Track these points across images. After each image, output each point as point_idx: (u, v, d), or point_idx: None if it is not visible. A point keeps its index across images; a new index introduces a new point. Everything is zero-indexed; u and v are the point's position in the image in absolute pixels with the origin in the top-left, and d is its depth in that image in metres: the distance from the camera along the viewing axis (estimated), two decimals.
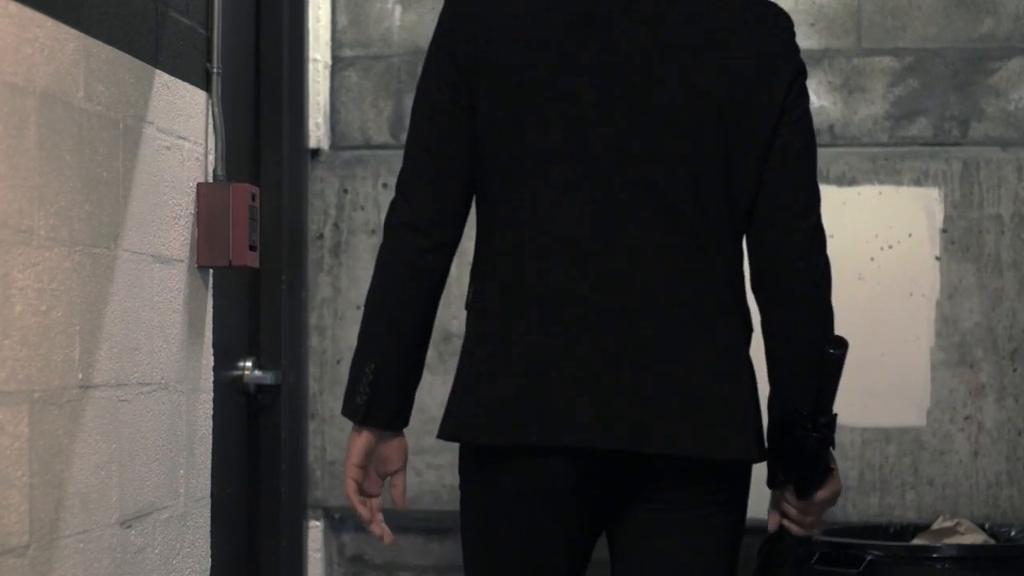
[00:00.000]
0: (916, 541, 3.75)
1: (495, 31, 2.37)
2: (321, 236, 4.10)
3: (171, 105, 2.83)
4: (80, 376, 2.46)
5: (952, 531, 3.75)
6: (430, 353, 2.44)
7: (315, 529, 4.11)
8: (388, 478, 2.47)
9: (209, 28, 3.02)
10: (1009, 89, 3.97)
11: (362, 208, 4.10)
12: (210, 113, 3.01)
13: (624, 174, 2.33)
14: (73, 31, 2.44)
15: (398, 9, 4.14)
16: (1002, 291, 3.93)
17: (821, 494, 2.43)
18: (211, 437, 3.05)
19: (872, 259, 3.97)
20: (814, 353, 2.38)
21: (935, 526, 3.80)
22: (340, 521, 4.13)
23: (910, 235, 3.97)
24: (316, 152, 4.11)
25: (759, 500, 2.50)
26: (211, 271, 3.02)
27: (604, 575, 2.49)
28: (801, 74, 2.41)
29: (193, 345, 2.94)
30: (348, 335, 4.02)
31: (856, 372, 3.54)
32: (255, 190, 3.03)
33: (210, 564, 3.04)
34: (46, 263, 2.34)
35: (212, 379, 3.05)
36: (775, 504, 2.47)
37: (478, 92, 2.36)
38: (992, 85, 3.98)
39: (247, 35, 3.75)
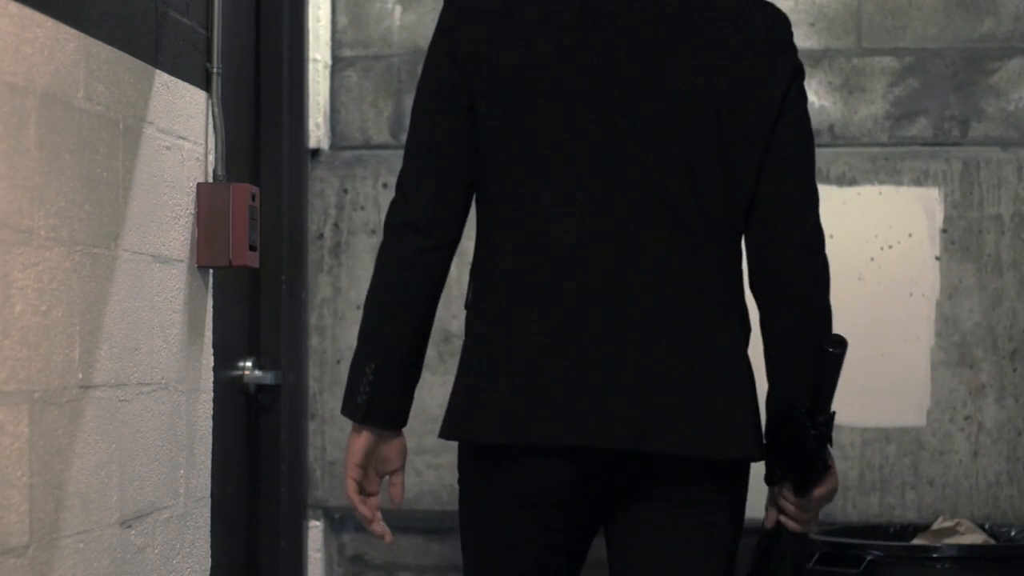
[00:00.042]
0: (916, 541, 3.75)
1: (495, 31, 2.37)
2: (321, 236, 4.10)
3: (171, 105, 2.83)
4: (80, 376, 2.46)
5: (952, 531, 3.75)
6: (430, 353, 2.45)
7: (315, 529, 4.11)
8: (387, 477, 2.47)
9: (209, 28, 3.02)
10: (1009, 89, 3.97)
11: (362, 208, 4.10)
12: (210, 113, 3.01)
13: (623, 174, 2.34)
14: (73, 31, 2.44)
15: (398, 9, 4.14)
16: (1002, 291, 3.93)
17: (819, 491, 2.44)
18: (211, 437, 3.05)
19: (872, 259, 3.97)
20: (813, 352, 2.38)
21: (935, 526, 3.80)
22: (340, 521, 4.13)
23: (910, 235, 3.96)
24: (316, 152, 4.11)
25: (757, 500, 2.50)
26: (211, 271, 3.02)
27: (603, 575, 2.49)
28: (799, 74, 2.42)
29: (193, 345, 2.94)
30: (348, 335, 4.02)
31: (856, 372, 3.54)
32: (255, 190, 3.03)
33: (210, 564, 3.04)
34: (46, 263, 2.34)
35: (212, 379, 3.05)
36: (773, 501, 2.48)
37: (478, 92, 2.37)
38: (992, 85, 3.98)
39: (247, 35, 3.75)
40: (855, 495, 3.95)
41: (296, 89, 3.95)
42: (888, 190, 3.97)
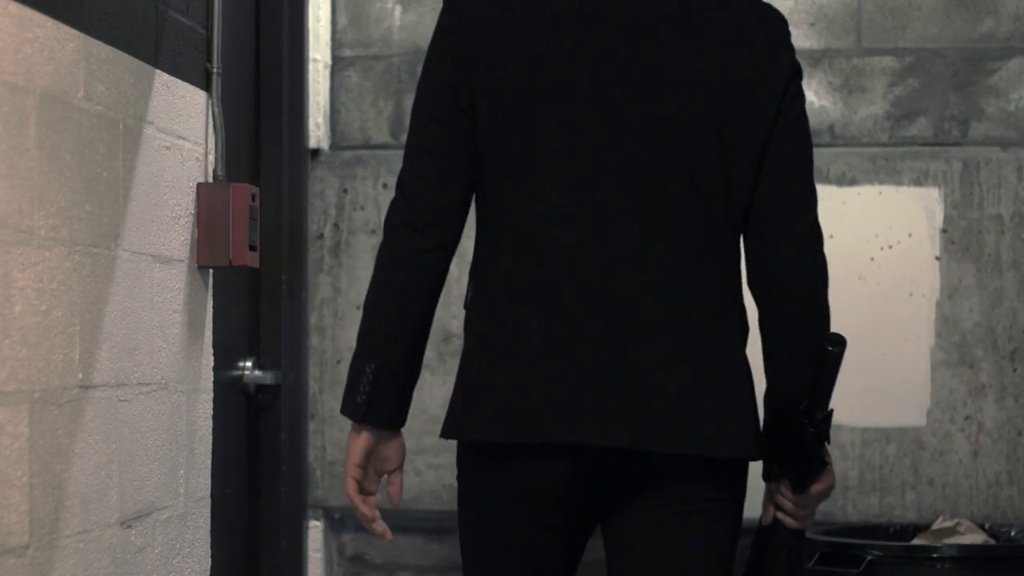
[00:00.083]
0: (916, 541, 3.75)
1: (494, 32, 2.37)
2: (321, 236, 4.10)
3: (171, 105, 2.83)
4: (80, 376, 2.46)
5: (952, 531, 3.75)
6: (430, 353, 2.45)
7: (315, 529, 4.11)
8: (385, 476, 2.47)
9: (209, 28, 3.02)
10: (1009, 89, 3.97)
11: (362, 208, 4.10)
12: (210, 113, 3.01)
13: (623, 175, 2.34)
14: (73, 31, 2.44)
15: (398, 9, 4.14)
16: (1002, 291, 3.93)
17: (816, 488, 2.45)
18: (211, 437, 3.05)
19: (872, 259, 3.97)
20: (811, 350, 2.40)
21: (935, 526, 3.80)
22: (340, 521, 4.13)
23: (910, 235, 3.97)
24: (316, 152, 4.11)
25: (756, 499, 2.50)
26: (211, 271, 3.02)
27: (601, 575, 2.50)
28: (797, 75, 2.42)
29: (193, 345, 2.94)
30: (348, 335, 4.02)
31: (856, 372, 3.54)
32: (255, 190, 3.03)
33: (210, 564, 3.04)
34: (46, 263, 2.34)
35: (212, 379, 3.05)
36: (770, 497, 2.49)
37: (478, 92, 2.37)
38: (992, 85, 3.98)
39: (247, 35, 3.75)
40: (855, 495, 3.95)
41: (296, 89, 3.95)
42: (888, 190, 3.97)
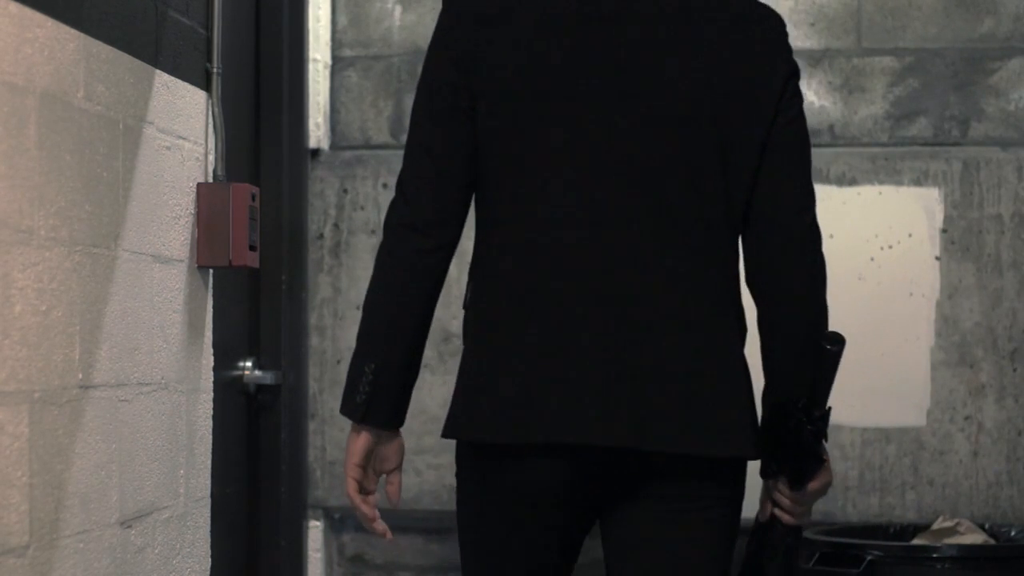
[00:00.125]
0: (916, 541, 3.75)
1: (494, 32, 2.37)
2: (321, 236, 4.10)
3: (171, 105, 2.83)
4: (80, 376, 2.46)
5: (952, 531, 3.75)
6: (430, 353, 2.46)
7: (315, 529, 4.11)
8: (384, 476, 2.48)
9: (209, 28, 3.02)
10: (1009, 89, 3.98)
11: (362, 208, 4.10)
12: (210, 113, 3.01)
13: (622, 174, 2.34)
14: (73, 31, 2.44)
15: (398, 9, 4.14)
16: (1002, 291, 3.93)
17: (813, 484, 2.46)
18: (211, 437, 3.05)
19: (872, 259, 3.97)
20: (809, 349, 2.41)
21: (935, 526, 3.80)
22: (340, 521, 4.13)
23: (910, 235, 3.97)
24: (316, 152, 4.11)
25: (755, 499, 2.51)
26: (211, 271, 3.02)
27: (600, 575, 2.50)
28: (795, 75, 2.43)
29: (193, 345, 2.94)
30: (348, 335, 4.02)
31: (856, 372, 3.54)
32: (255, 190, 3.03)
33: (210, 564, 3.04)
34: (46, 263, 2.34)
35: (212, 379, 3.05)
36: (768, 494, 2.50)
37: (477, 93, 2.37)
38: (992, 85, 3.98)
39: (247, 35, 3.75)
40: (855, 495, 3.95)
41: (296, 89, 3.95)
42: (888, 190, 3.97)
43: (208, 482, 3.03)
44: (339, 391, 3.27)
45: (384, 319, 2.41)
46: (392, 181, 3.78)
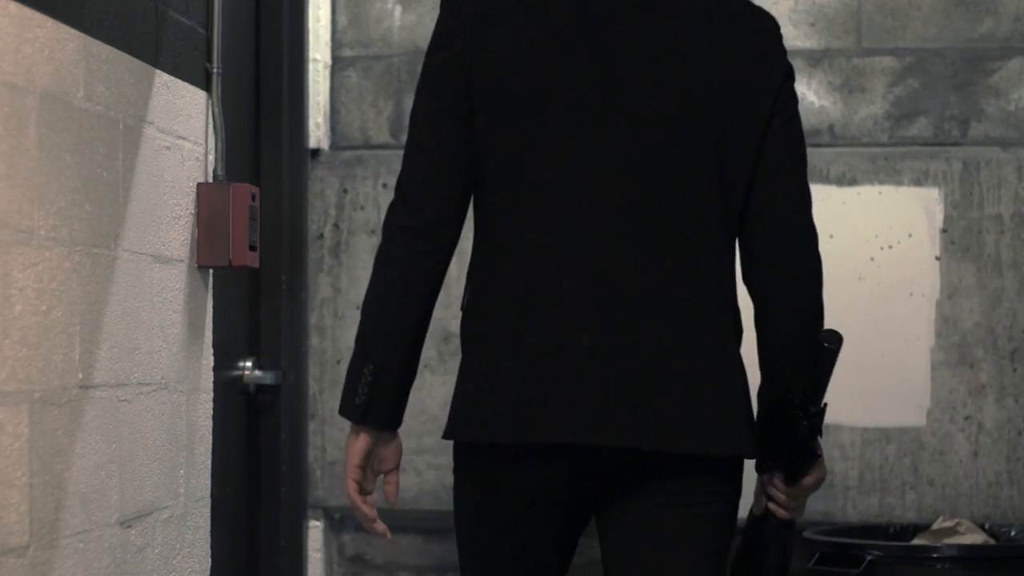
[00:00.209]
0: (916, 541, 3.75)
1: (492, 34, 2.37)
2: (321, 236, 4.10)
3: (171, 105, 2.83)
4: (80, 376, 2.46)
5: (952, 531, 3.75)
6: (430, 353, 2.46)
7: (315, 529, 4.11)
8: (382, 476, 2.48)
9: (209, 28, 3.02)
10: (1009, 89, 3.98)
11: (362, 208, 4.10)
12: (210, 113, 3.01)
13: (620, 176, 2.35)
14: (73, 31, 2.44)
15: (398, 9, 4.14)
16: (1002, 291, 3.93)
17: (808, 480, 2.48)
18: (211, 437, 3.05)
19: (872, 259, 3.97)
20: (805, 348, 2.42)
21: (935, 526, 3.80)
22: (340, 521, 4.13)
23: (910, 235, 3.97)
24: (316, 152, 4.11)
25: (747, 494, 2.51)
26: (211, 271, 3.02)
27: (598, 575, 2.50)
28: (790, 76, 2.45)
29: (193, 345, 2.94)
30: (348, 335, 4.02)
31: (856, 372, 3.55)
32: (255, 190, 3.03)
33: (210, 564, 3.04)
34: (46, 263, 2.34)
35: (212, 379, 3.05)
36: (762, 488, 2.51)
37: (476, 95, 2.37)
38: (992, 85, 3.98)
39: (247, 35, 3.75)
40: (855, 495, 3.95)
41: (296, 89, 3.95)
42: (888, 190, 3.97)
43: (208, 482, 3.03)
44: (339, 391, 3.27)
45: (383, 321, 2.41)
46: (392, 181, 3.78)
